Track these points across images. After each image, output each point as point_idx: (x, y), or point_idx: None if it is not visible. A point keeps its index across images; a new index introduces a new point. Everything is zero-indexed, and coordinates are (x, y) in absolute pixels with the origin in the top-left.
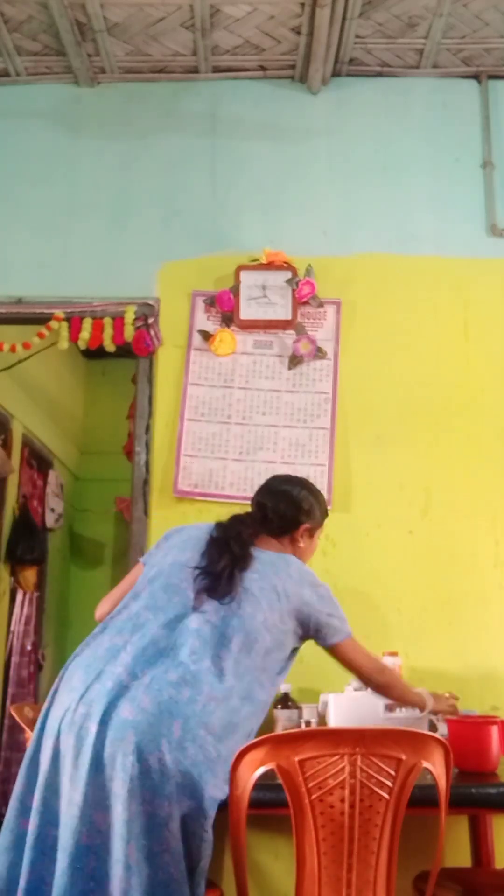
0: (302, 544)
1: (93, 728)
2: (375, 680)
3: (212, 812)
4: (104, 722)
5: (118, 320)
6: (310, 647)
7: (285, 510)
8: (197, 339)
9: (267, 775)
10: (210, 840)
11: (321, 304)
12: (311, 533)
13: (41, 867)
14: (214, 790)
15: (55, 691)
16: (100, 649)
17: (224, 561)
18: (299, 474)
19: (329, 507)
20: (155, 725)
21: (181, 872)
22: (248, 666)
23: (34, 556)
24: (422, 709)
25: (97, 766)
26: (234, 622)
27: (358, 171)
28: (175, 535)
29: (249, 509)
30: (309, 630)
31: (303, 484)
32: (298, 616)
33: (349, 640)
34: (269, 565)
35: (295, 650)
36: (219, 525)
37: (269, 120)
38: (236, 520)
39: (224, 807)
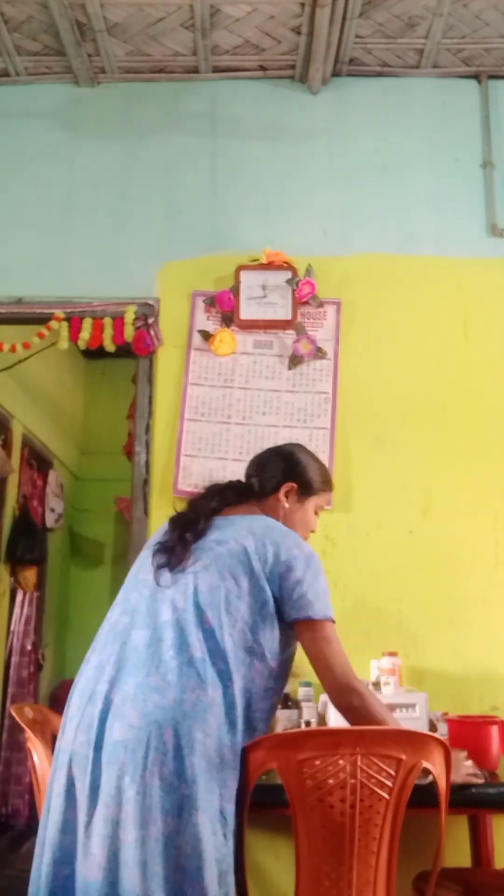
0: (287, 505)
1: (90, 755)
2: (343, 697)
3: (221, 826)
4: (98, 747)
5: (118, 320)
6: None
7: (260, 472)
8: (197, 339)
9: (267, 775)
10: (230, 848)
11: (321, 304)
12: (301, 496)
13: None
14: (224, 802)
15: (63, 723)
16: (89, 669)
17: (175, 532)
18: None
19: (329, 507)
20: (143, 741)
21: (201, 890)
22: (233, 645)
23: (34, 556)
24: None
25: (95, 794)
26: (200, 599)
27: (358, 171)
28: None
29: None
30: (282, 597)
31: (283, 449)
32: (270, 577)
33: (325, 623)
34: (232, 525)
35: (289, 627)
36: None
37: (269, 120)
38: (201, 495)
39: None
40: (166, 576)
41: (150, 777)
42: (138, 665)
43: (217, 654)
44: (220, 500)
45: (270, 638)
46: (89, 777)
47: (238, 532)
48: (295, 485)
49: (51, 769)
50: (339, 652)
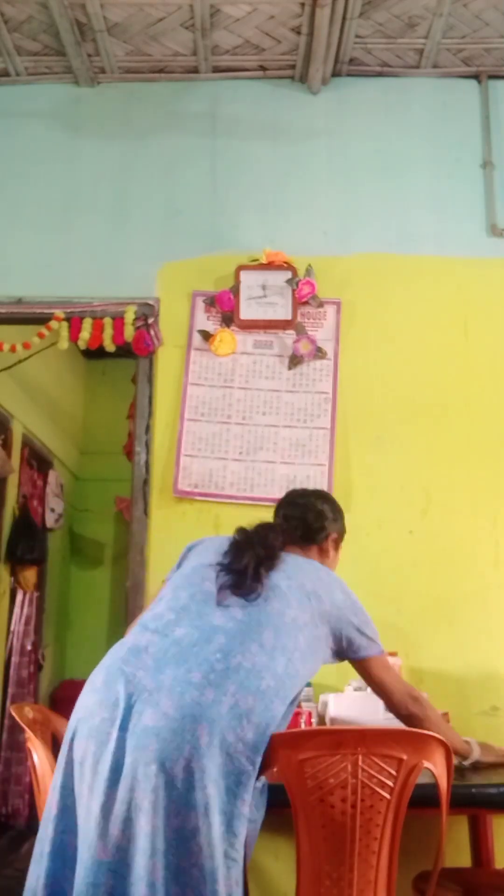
0: (330, 556)
1: (114, 734)
2: (407, 709)
3: (242, 833)
4: (124, 728)
5: (118, 320)
6: None
7: (313, 520)
8: (197, 339)
9: (267, 775)
10: (239, 863)
11: (321, 304)
12: (337, 544)
13: (62, 878)
14: (244, 807)
15: (84, 692)
16: (122, 650)
17: (247, 558)
18: (299, 474)
19: None
20: (178, 732)
21: (212, 892)
22: (284, 669)
23: (34, 556)
24: (465, 757)
25: (117, 775)
26: (262, 618)
27: (358, 171)
28: (196, 545)
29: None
30: (341, 641)
31: (325, 496)
32: (330, 621)
33: (382, 656)
34: (297, 567)
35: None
36: (241, 529)
37: (269, 120)
38: (263, 526)
39: None
40: (229, 596)
41: (179, 770)
42: (179, 659)
43: (267, 670)
44: (283, 539)
45: (311, 669)
46: (111, 757)
47: (302, 570)
48: (335, 536)
49: (63, 736)
50: (397, 675)
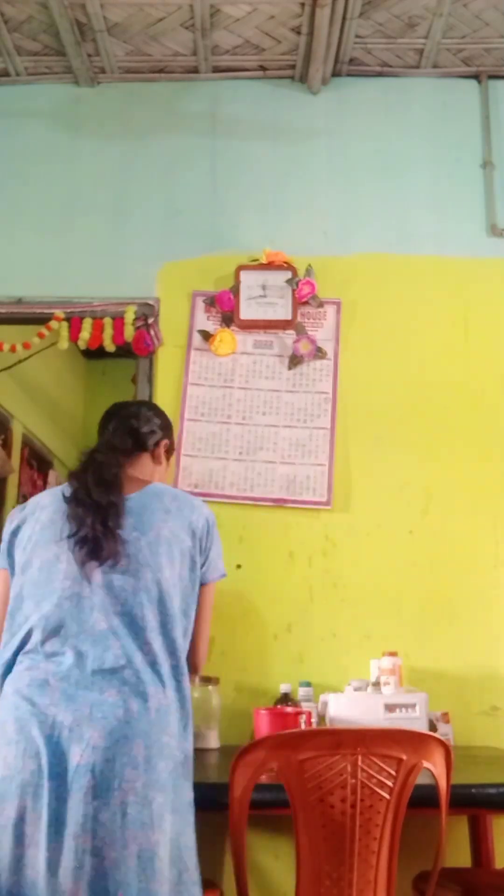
0: (162, 463)
1: (45, 785)
2: (202, 647)
3: (190, 821)
4: (53, 776)
5: (118, 320)
6: (309, 646)
7: (143, 425)
8: (197, 339)
9: (267, 775)
10: (193, 850)
11: (321, 304)
12: (168, 454)
13: None
14: (188, 793)
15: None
16: (23, 688)
17: (90, 519)
18: (299, 474)
19: (329, 507)
20: (112, 760)
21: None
22: (174, 636)
23: None
24: None
25: (60, 827)
26: (141, 598)
27: (358, 171)
28: (21, 526)
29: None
30: (204, 562)
31: (152, 405)
32: (198, 541)
33: (215, 582)
34: (146, 498)
35: None
36: (72, 478)
37: (269, 120)
38: (91, 462)
39: (224, 807)
40: (97, 571)
41: (124, 795)
42: (86, 683)
43: (164, 648)
44: (117, 464)
45: (194, 606)
46: (47, 810)
47: (151, 509)
48: (168, 442)
49: None
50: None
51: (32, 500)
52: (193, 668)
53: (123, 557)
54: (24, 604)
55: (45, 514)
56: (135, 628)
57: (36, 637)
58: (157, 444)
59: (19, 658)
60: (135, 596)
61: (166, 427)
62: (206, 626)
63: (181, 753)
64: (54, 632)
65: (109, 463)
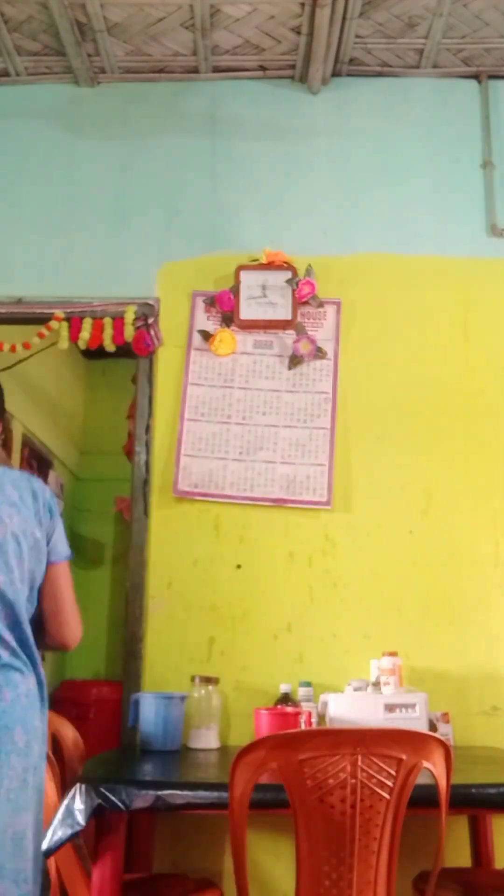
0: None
1: None
2: (71, 630)
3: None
4: None
5: (118, 320)
6: (309, 646)
7: None
8: (197, 339)
9: (267, 775)
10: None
11: (321, 304)
12: (6, 430)
13: None
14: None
15: None
16: None
17: None
18: (299, 474)
19: (329, 507)
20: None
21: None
22: (26, 623)
23: None
24: None
25: None
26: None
27: (358, 171)
28: None
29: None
30: (48, 543)
31: None
32: (43, 525)
33: (68, 561)
34: None
35: None
36: None
37: (269, 120)
38: None
39: (224, 807)
40: None
41: (10, 782)
42: None
43: (23, 643)
44: None
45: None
46: None
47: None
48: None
49: (64, 736)
50: (72, 590)
51: None
52: (63, 645)
53: None
54: None
55: None
56: None
57: None
58: None
59: None
60: None
61: None
62: (65, 605)
63: (42, 735)
64: None
65: None
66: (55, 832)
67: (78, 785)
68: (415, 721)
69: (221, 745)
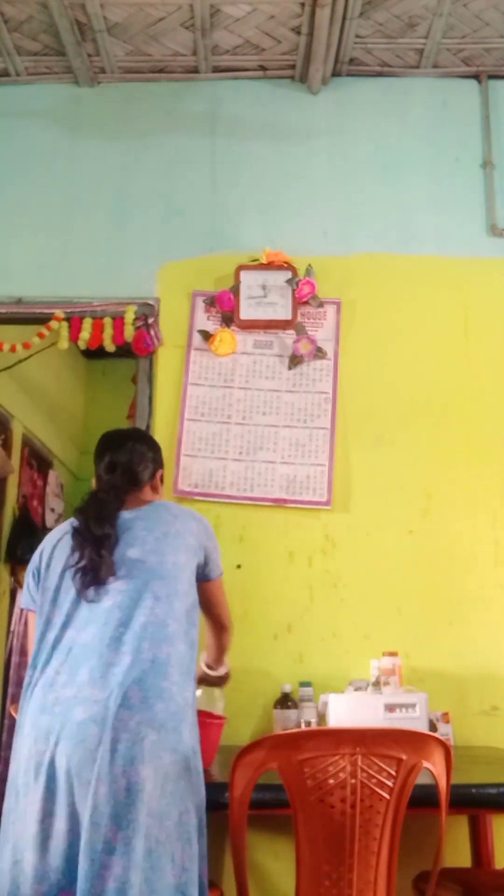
0: (159, 490)
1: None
2: (227, 625)
3: None
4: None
5: (118, 320)
6: (309, 646)
7: (137, 464)
8: (197, 339)
9: (267, 775)
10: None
11: (321, 304)
12: (162, 477)
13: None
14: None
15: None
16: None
17: (88, 550)
18: (299, 474)
19: (329, 507)
20: (85, 758)
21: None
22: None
23: None
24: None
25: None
26: (139, 615)
27: (358, 171)
28: (49, 561)
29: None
30: (204, 564)
31: (141, 436)
32: (196, 551)
33: (222, 576)
34: (145, 521)
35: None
36: (78, 512)
37: (269, 120)
38: (94, 497)
39: (224, 807)
40: (92, 592)
41: (107, 776)
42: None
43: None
44: (116, 499)
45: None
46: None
47: (149, 521)
48: (162, 471)
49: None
50: (225, 597)
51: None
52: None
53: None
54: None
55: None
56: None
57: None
58: (152, 475)
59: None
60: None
61: (158, 457)
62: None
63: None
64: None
65: (110, 500)
66: None
67: None
68: (415, 721)
69: (221, 744)
